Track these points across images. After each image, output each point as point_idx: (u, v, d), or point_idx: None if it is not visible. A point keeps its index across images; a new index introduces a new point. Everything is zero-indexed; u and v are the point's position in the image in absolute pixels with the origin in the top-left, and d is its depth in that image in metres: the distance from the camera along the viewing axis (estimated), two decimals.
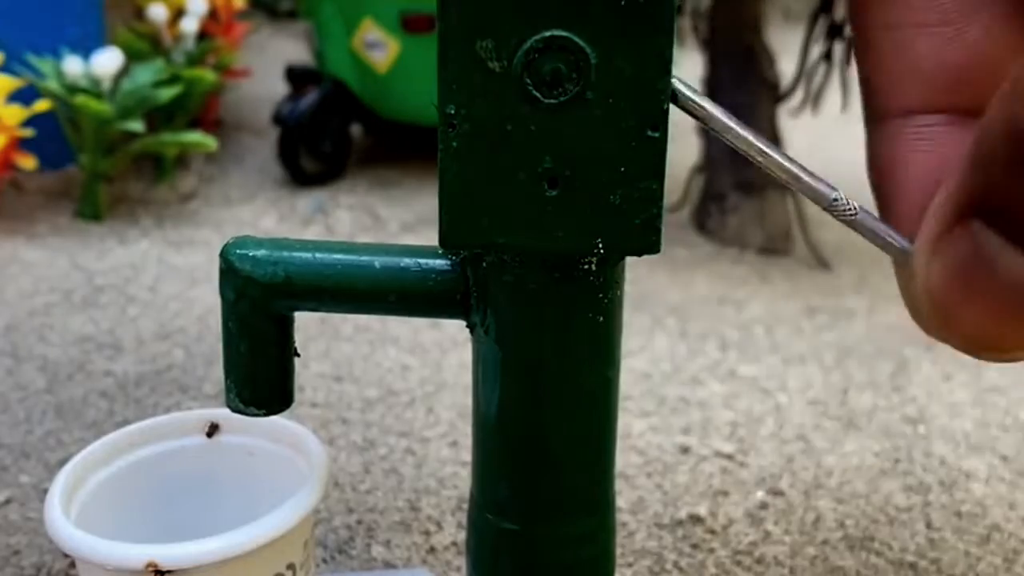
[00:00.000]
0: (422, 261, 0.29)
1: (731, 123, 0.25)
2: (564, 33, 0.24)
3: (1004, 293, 0.19)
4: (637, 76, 0.24)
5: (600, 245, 0.26)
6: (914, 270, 0.21)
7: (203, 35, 1.19)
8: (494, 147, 0.25)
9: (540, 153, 0.25)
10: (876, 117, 0.26)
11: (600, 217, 0.25)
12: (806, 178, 0.25)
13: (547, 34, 0.24)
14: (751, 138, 0.25)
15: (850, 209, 0.24)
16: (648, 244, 0.26)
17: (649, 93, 0.24)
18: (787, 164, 0.25)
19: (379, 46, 1.10)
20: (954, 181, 0.19)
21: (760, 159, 0.25)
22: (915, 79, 0.25)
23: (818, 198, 0.25)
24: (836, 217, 0.25)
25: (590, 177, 0.25)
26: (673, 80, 0.24)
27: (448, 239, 0.26)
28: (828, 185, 0.25)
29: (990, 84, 0.24)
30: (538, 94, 0.24)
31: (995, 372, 0.69)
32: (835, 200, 0.24)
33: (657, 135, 0.25)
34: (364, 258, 0.29)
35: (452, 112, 0.24)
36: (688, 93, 0.25)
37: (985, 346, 0.20)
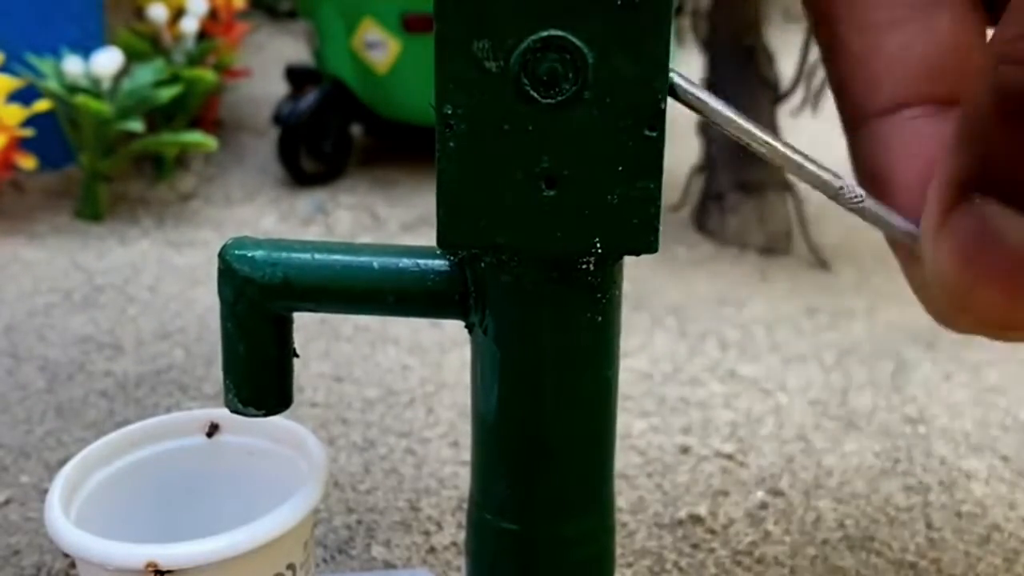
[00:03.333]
0: (420, 261, 0.29)
1: (732, 115, 0.24)
2: (561, 33, 0.24)
3: (1015, 262, 0.18)
4: (634, 75, 0.24)
5: (598, 245, 0.26)
6: (922, 258, 0.21)
7: (203, 35, 1.19)
8: (491, 147, 0.25)
9: (537, 153, 0.25)
10: (857, 119, 0.26)
11: (598, 217, 0.25)
12: (810, 167, 0.25)
13: (544, 34, 0.24)
14: (753, 129, 0.24)
15: (856, 196, 0.24)
16: (646, 244, 0.26)
17: (646, 92, 0.24)
18: (790, 153, 0.25)
19: (379, 46, 1.10)
20: (947, 162, 0.19)
21: (763, 150, 0.25)
22: (892, 76, 0.25)
23: (823, 187, 0.25)
24: (843, 205, 0.25)
25: (588, 177, 0.25)
26: (672, 74, 0.24)
27: (446, 239, 0.26)
28: (833, 173, 0.25)
29: (964, 69, 0.24)
30: (535, 94, 0.24)
31: (995, 372, 0.69)
32: (841, 188, 0.24)
33: (654, 134, 0.25)
34: (363, 259, 0.29)
35: (449, 112, 0.25)
36: (687, 87, 0.25)
37: (1002, 324, 0.20)
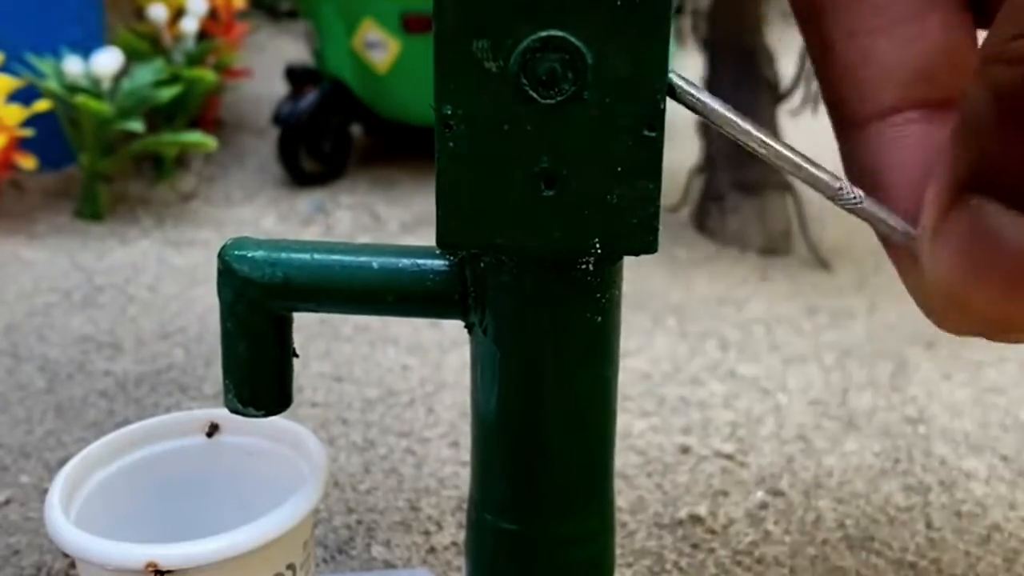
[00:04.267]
0: (420, 261, 0.29)
1: (731, 115, 0.24)
2: (560, 33, 0.24)
3: (1014, 262, 0.18)
4: (634, 76, 0.24)
5: (597, 245, 0.26)
6: (921, 262, 0.21)
7: (203, 35, 1.19)
8: (491, 147, 0.25)
9: (537, 153, 0.25)
10: (849, 124, 0.26)
11: (597, 217, 0.25)
12: (808, 167, 0.25)
13: (543, 34, 0.24)
14: (752, 130, 0.24)
15: (854, 197, 0.24)
16: (645, 244, 0.26)
17: (646, 92, 0.24)
18: (789, 154, 0.25)
19: (379, 46, 1.10)
20: (944, 165, 0.19)
21: (762, 150, 0.25)
22: (884, 81, 0.25)
23: (821, 187, 0.25)
24: (841, 206, 0.25)
25: (587, 177, 0.25)
26: (671, 75, 0.24)
27: (445, 239, 0.26)
28: (831, 174, 0.25)
29: (955, 72, 0.24)
30: (535, 94, 0.24)
31: (995, 372, 0.69)
32: (840, 189, 0.24)
33: (654, 135, 0.25)
34: (362, 259, 0.29)
35: (449, 112, 0.25)
36: (686, 87, 0.25)
37: (1000, 325, 0.20)
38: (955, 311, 0.21)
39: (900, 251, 0.25)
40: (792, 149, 0.25)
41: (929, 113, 0.25)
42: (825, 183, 0.25)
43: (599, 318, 0.28)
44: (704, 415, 0.62)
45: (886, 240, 0.25)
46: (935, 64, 0.25)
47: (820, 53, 0.26)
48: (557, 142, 0.25)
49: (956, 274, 0.20)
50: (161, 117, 1.07)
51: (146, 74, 0.98)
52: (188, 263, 0.87)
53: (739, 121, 0.24)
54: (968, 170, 0.19)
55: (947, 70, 0.25)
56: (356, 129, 1.19)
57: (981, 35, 0.26)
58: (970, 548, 0.49)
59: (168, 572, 0.31)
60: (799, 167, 0.25)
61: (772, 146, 0.24)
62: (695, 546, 0.49)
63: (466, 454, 0.56)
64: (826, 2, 0.25)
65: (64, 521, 0.32)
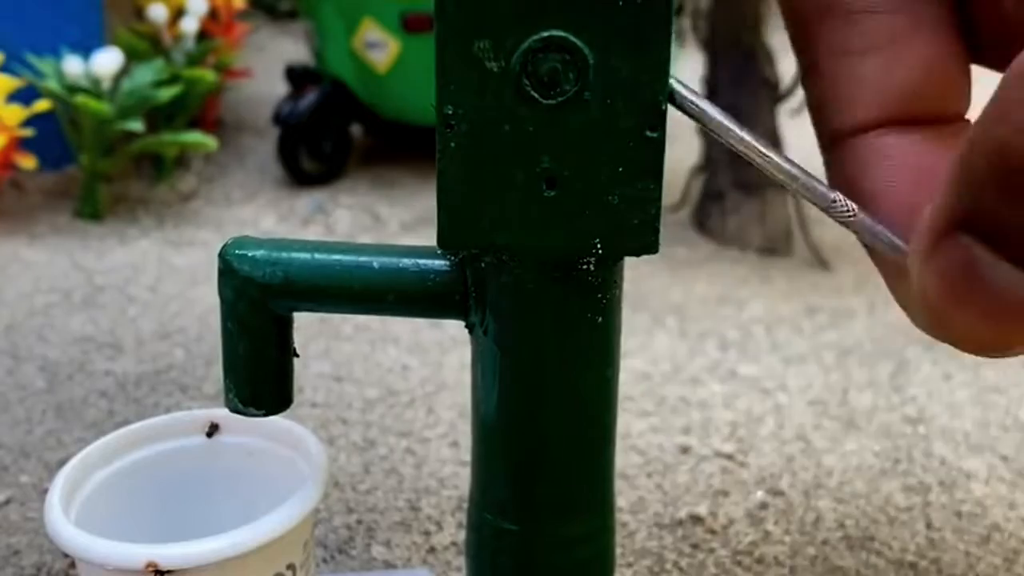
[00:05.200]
0: (421, 261, 0.29)
1: (729, 124, 0.25)
2: (562, 33, 0.24)
3: (996, 301, 0.19)
4: (635, 76, 0.24)
5: (598, 245, 0.26)
6: (910, 276, 0.22)
7: (203, 35, 1.19)
8: (492, 147, 0.25)
9: (538, 153, 0.25)
10: (833, 138, 0.26)
11: (598, 217, 0.25)
12: (804, 179, 0.25)
13: (545, 34, 0.24)
14: (749, 139, 0.25)
15: (848, 210, 0.25)
16: (646, 244, 0.26)
17: (647, 93, 0.24)
18: (785, 165, 0.25)
19: (379, 46, 1.10)
20: (941, 196, 0.20)
21: (759, 160, 0.25)
22: (869, 99, 0.25)
23: (816, 199, 0.25)
24: (834, 218, 0.25)
25: (588, 177, 0.25)
26: (671, 81, 0.24)
27: (446, 239, 0.26)
28: (826, 186, 0.25)
29: (942, 92, 0.25)
30: (536, 94, 0.24)
31: (995, 372, 0.69)
32: (834, 201, 0.25)
33: (655, 135, 0.25)
34: (363, 258, 0.29)
35: (450, 113, 0.25)
36: (686, 93, 0.25)
37: (980, 347, 0.21)
38: (934, 325, 0.21)
39: (888, 263, 0.25)
40: (788, 160, 0.25)
41: (915, 128, 0.25)
42: (820, 194, 0.25)
43: (600, 318, 0.28)
44: (704, 415, 0.62)
45: (873, 252, 0.26)
46: (921, 84, 0.25)
47: (807, 68, 0.26)
48: (558, 142, 0.25)
49: (939, 296, 0.20)
50: (161, 117, 1.07)
51: (146, 74, 0.98)
52: (188, 263, 0.87)
53: (737, 130, 0.25)
54: (963, 212, 0.19)
55: (933, 90, 0.25)
56: (356, 129, 1.19)
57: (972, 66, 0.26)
58: (970, 548, 0.49)
59: (168, 572, 0.31)
60: (795, 178, 0.25)
61: (769, 156, 0.25)
62: (695, 546, 0.49)
63: (466, 454, 0.56)
64: (813, 21, 0.25)
65: (64, 521, 0.32)
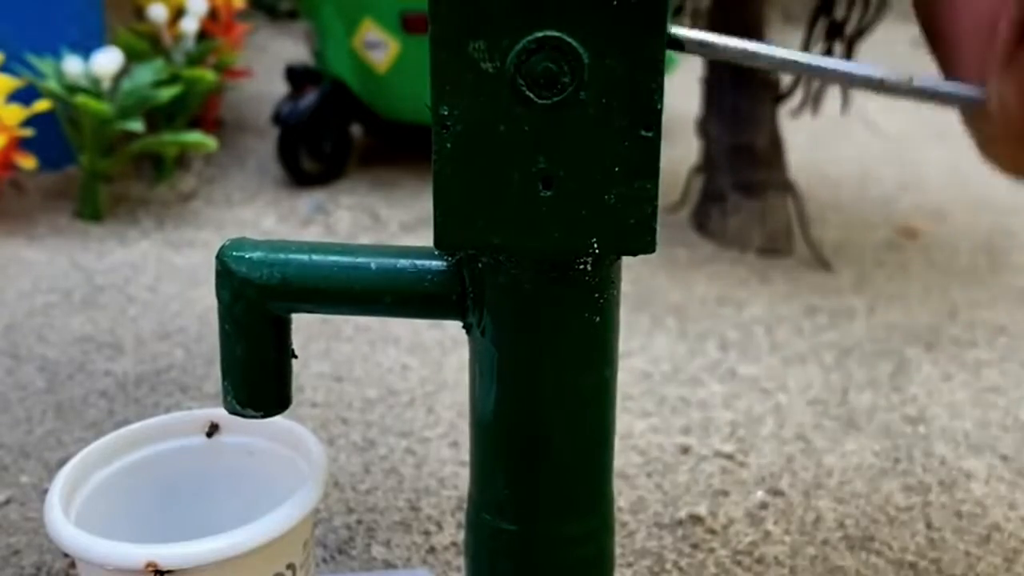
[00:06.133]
0: (418, 262, 0.29)
1: (751, 47, 0.24)
2: (557, 33, 0.24)
3: None
4: (630, 76, 0.24)
5: (595, 245, 0.26)
6: (987, 108, 0.22)
7: (203, 35, 1.19)
8: (488, 148, 0.25)
9: (534, 153, 0.25)
10: None
11: (595, 217, 0.25)
12: (850, 70, 0.24)
13: (540, 34, 0.24)
14: (779, 54, 0.24)
15: (904, 80, 0.24)
16: (643, 244, 0.26)
17: (642, 93, 0.24)
18: (822, 64, 0.24)
19: (379, 46, 1.10)
20: (1015, 8, 0.20)
21: (796, 71, 0.24)
22: None
23: (868, 84, 0.24)
24: (893, 94, 0.24)
25: (584, 177, 0.25)
26: (674, 29, 0.24)
27: (443, 240, 0.26)
28: (873, 68, 0.25)
29: None
30: (531, 94, 0.24)
31: (995, 372, 0.69)
32: (884, 78, 0.24)
33: (651, 135, 0.25)
34: (360, 260, 0.29)
35: (445, 113, 0.25)
36: (691, 36, 0.25)
37: None
38: (1017, 142, 0.21)
39: (962, 109, 0.25)
40: (823, 57, 0.24)
41: None
42: (867, 78, 0.24)
43: (597, 318, 0.28)
44: (704, 415, 0.62)
45: (949, 105, 0.25)
46: None
47: None
48: (554, 142, 0.25)
49: (1021, 103, 0.21)
50: (161, 117, 1.07)
51: (146, 74, 0.98)
52: (188, 263, 0.87)
53: (763, 50, 0.24)
54: None
55: None
56: (356, 129, 1.19)
57: None
58: (970, 548, 0.49)
59: (168, 572, 0.31)
60: (834, 71, 0.24)
61: (807, 64, 0.24)
62: (695, 546, 0.49)
63: (466, 454, 0.56)
64: None
65: (64, 521, 0.32)
